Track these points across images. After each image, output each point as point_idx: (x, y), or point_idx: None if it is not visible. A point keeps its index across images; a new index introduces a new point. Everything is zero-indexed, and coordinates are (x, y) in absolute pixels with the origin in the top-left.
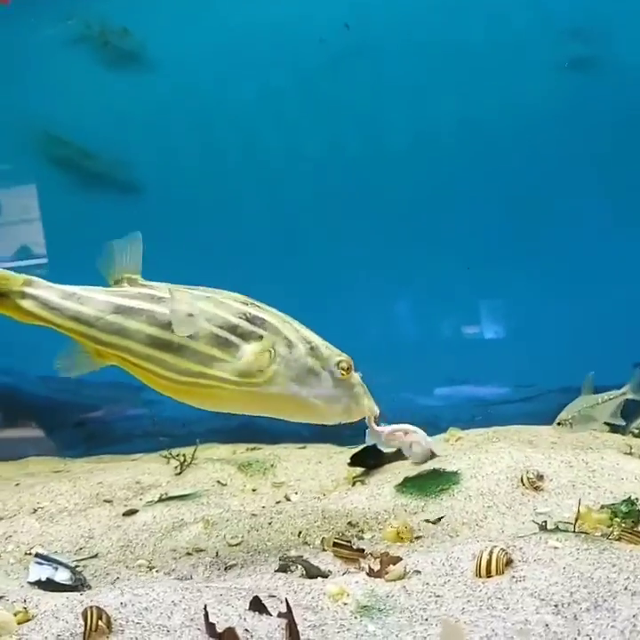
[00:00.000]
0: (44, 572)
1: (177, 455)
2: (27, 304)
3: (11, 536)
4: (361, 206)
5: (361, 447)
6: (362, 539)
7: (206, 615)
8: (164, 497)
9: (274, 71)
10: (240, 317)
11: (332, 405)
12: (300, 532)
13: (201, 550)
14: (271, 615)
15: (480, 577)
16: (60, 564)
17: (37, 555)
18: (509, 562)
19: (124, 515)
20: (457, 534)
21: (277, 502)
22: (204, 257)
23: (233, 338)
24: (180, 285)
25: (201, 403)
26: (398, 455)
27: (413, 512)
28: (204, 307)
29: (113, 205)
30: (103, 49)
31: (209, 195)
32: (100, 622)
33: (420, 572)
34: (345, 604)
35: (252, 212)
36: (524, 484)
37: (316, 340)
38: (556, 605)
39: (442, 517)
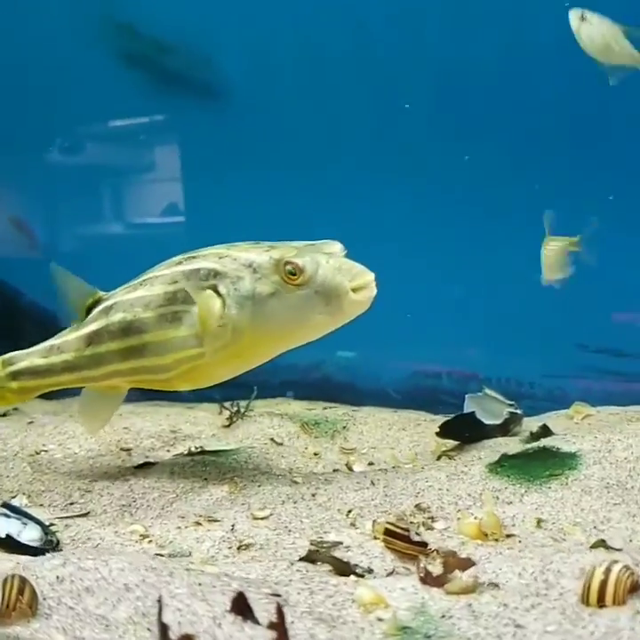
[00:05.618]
0: (7, 527)
1: (232, 405)
2: (18, 384)
3: None
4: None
5: (454, 415)
6: (431, 529)
7: (160, 611)
8: (194, 451)
9: None
10: (175, 282)
11: (313, 316)
12: (349, 511)
13: (215, 520)
14: (259, 624)
15: (588, 605)
16: (32, 519)
17: (4, 505)
18: (636, 587)
19: (136, 468)
20: (564, 538)
21: (334, 470)
22: (295, 178)
23: (178, 307)
24: (125, 285)
25: (198, 383)
26: (506, 428)
27: (507, 501)
28: (139, 294)
29: (191, 111)
30: None
31: (307, 102)
32: (20, 599)
33: (497, 586)
34: (379, 619)
35: (356, 125)
36: None
37: (258, 257)
38: None
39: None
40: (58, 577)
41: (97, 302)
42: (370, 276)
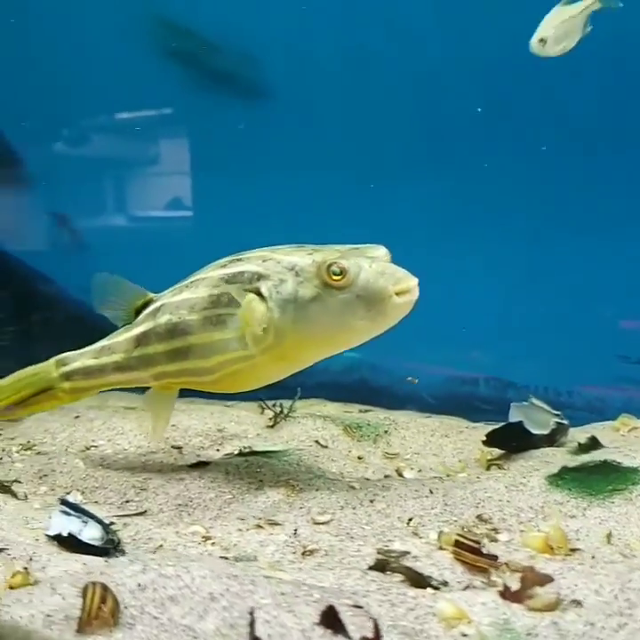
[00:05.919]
0: (68, 525)
1: (274, 405)
2: (71, 384)
3: (46, 475)
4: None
5: (502, 424)
6: (495, 541)
7: (252, 625)
8: (245, 451)
9: None
10: (220, 284)
11: (354, 321)
12: (410, 519)
13: (276, 524)
14: (350, 638)
15: None
16: (92, 517)
17: (64, 502)
18: None
19: (190, 466)
20: (634, 554)
21: (386, 476)
22: (339, 178)
23: (222, 310)
24: (173, 286)
25: (243, 385)
26: (552, 439)
27: (570, 515)
28: (185, 297)
29: (236, 109)
30: None
31: (351, 102)
32: (102, 608)
33: (579, 603)
34: (463, 635)
35: (403, 126)
36: None
37: (301, 260)
38: None
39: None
40: (139, 584)
41: (147, 304)
42: (413, 281)
